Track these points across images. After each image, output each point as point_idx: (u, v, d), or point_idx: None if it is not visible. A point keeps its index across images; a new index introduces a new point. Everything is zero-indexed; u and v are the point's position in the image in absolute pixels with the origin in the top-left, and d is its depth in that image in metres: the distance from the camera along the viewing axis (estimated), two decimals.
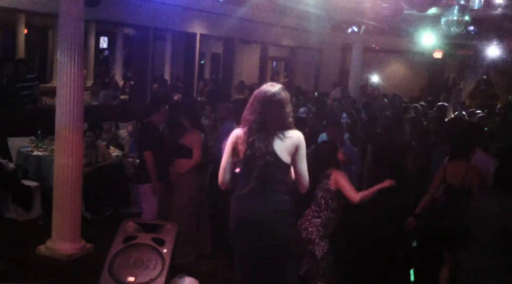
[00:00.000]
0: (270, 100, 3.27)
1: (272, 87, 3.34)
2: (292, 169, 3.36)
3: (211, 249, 5.71)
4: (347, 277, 4.76)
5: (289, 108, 3.34)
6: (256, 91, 3.37)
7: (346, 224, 4.74)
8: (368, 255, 5.19)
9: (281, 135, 3.25)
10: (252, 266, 3.38)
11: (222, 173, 3.41)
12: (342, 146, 5.51)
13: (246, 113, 3.34)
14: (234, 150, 3.36)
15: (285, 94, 3.33)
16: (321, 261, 4.39)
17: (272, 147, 3.25)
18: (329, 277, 4.42)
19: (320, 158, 4.59)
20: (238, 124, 5.49)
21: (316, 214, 4.46)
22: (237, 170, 3.40)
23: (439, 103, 9.71)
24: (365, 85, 14.94)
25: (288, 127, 3.30)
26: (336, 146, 4.84)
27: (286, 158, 3.27)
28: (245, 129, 3.31)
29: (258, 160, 3.24)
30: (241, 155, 3.31)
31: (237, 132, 3.37)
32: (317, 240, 4.39)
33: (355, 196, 4.36)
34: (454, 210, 4.55)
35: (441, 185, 4.74)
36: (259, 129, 3.25)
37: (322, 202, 4.45)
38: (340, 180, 4.40)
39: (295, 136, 3.28)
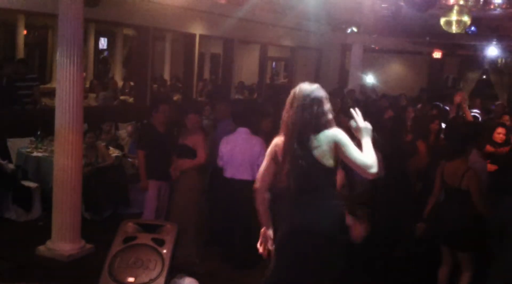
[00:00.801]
0: (308, 99, 3.17)
1: (309, 86, 3.25)
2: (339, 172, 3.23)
3: (209, 249, 5.71)
4: (347, 277, 4.76)
5: (327, 107, 3.22)
6: (293, 91, 3.27)
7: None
8: (366, 255, 5.19)
9: (319, 137, 3.12)
10: (295, 277, 3.24)
11: (259, 179, 3.34)
12: None
13: (285, 115, 3.24)
14: (275, 155, 3.26)
15: (323, 93, 3.24)
16: None
17: (310, 149, 3.11)
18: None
19: None
20: (236, 124, 5.56)
21: None
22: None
23: (436, 103, 9.70)
24: (360, 86, 14.87)
25: (326, 127, 3.15)
26: None
27: (327, 160, 3.12)
28: (284, 132, 3.22)
29: (297, 164, 3.13)
30: (281, 160, 3.22)
31: (279, 137, 3.27)
32: None
33: None
34: (454, 210, 4.56)
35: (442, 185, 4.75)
36: (297, 131, 3.15)
37: None
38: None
39: (330, 133, 3.12)
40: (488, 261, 4.70)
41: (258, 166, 3.98)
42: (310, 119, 3.14)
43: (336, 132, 3.13)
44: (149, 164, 5.63)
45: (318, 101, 3.18)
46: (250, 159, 5.28)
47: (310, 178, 3.15)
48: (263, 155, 3.51)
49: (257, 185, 3.36)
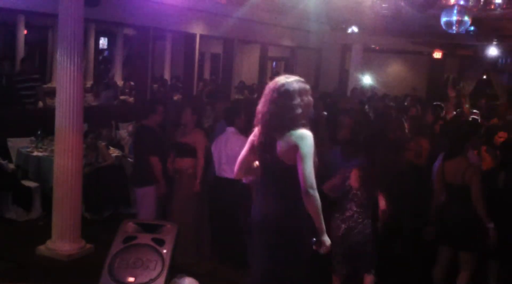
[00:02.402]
0: (279, 91, 3.10)
1: (285, 78, 3.17)
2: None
3: (211, 250, 5.71)
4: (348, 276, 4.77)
5: (296, 101, 3.10)
6: (269, 82, 3.23)
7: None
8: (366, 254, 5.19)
9: (286, 133, 3.06)
10: (261, 267, 3.29)
11: (237, 165, 3.35)
12: None
13: (259, 106, 3.20)
14: (253, 145, 3.26)
15: (296, 86, 3.12)
16: (372, 256, 4.55)
17: (274, 145, 3.09)
18: (373, 269, 4.60)
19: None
20: (227, 124, 5.55)
21: (364, 215, 4.52)
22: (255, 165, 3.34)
23: (435, 103, 9.71)
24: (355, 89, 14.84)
25: (294, 122, 3.07)
26: None
27: (288, 160, 3.07)
28: (256, 123, 3.23)
29: (264, 159, 3.17)
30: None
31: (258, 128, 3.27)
32: (373, 239, 4.53)
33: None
34: (457, 208, 4.55)
35: (443, 185, 4.74)
36: (266, 123, 3.12)
37: (366, 203, 4.53)
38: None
39: (297, 134, 3.05)
40: (486, 261, 4.71)
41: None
42: (278, 112, 3.07)
43: (302, 136, 3.05)
44: (148, 169, 5.47)
45: (287, 94, 3.09)
46: (236, 158, 5.29)
47: (271, 172, 3.17)
48: None
49: (236, 171, 3.38)
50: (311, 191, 2.99)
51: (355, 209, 4.52)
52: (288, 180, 3.10)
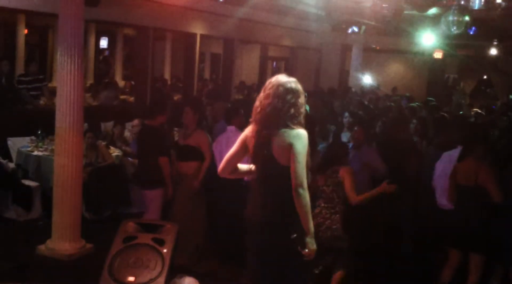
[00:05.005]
0: (277, 90, 3.13)
1: (285, 78, 3.20)
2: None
3: (211, 250, 5.70)
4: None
5: (301, 100, 3.17)
6: (269, 80, 3.24)
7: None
8: (369, 253, 5.20)
9: (282, 133, 3.09)
10: (256, 265, 3.32)
11: (224, 163, 3.32)
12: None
13: (257, 102, 3.21)
14: (244, 143, 3.26)
15: (296, 87, 3.17)
16: (346, 254, 4.49)
17: (270, 143, 3.11)
18: (351, 267, 4.53)
19: (331, 156, 4.67)
20: (226, 124, 5.54)
21: (332, 210, 4.50)
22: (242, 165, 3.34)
23: (432, 104, 9.72)
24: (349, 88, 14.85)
25: (293, 123, 3.10)
26: (346, 145, 5.01)
27: (282, 159, 3.10)
28: (253, 119, 3.21)
29: (259, 156, 3.17)
30: (250, 149, 3.24)
31: (251, 126, 3.26)
32: (342, 234, 4.47)
33: (354, 197, 4.40)
34: (470, 210, 4.51)
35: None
36: (266, 118, 3.12)
37: (335, 196, 4.49)
38: (346, 177, 4.45)
39: (292, 134, 3.08)
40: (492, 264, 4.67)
41: (244, 163, 3.99)
42: (281, 108, 3.09)
43: (298, 135, 3.09)
44: (158, 170, 5.34)
45: (292, 91, 3.14)
46: None
47: (266, 170, 3.17)
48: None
49: (221, 168, 3.35)
50: (300, 190, 3.02)
51: (323, 204, 4.53)
52: (283, 179, 3.10)
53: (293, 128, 3.10)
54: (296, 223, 3.12)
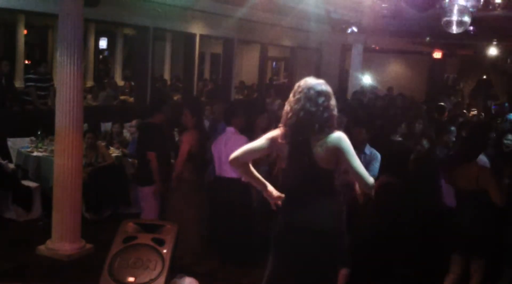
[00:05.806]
0: (308, 93, 3.02)
1: (314, 80, 3.10)
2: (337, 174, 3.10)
3: (211, 250, 5.70)
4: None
5: (333, 102, 3.07)
6: (297, 83, 3.12)
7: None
8: (369, 254, 5.18)
9: (322, 135, 2.99)
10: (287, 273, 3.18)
11: (241, 152, 3.09)
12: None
13: (287, 107, 3.08)
14: (271, 144, 3.09)
15: (326, 89, 3.08)
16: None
17: (311, 149, 2.98)
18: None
19: None
20: (226, 124, 5.53)
21: None
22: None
23: (439, 104, 9.71)
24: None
25: (328, 123, 3.01)
26: None
27: (326, 164, 3.01)
28: (284, 123, 3.07)
29: (299, 161, 3.02)
30: (282, 153, 3.10)
31: (279, 129, 3.11)
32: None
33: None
34: (471, 214, 4.42)
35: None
36: (300, 123, 3.00)
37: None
38: None
39: (334, 138, 2.99)
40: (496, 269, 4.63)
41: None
42: (314, 111, 3.00)
43: (340, 138, 3.00)
44: (149, 167, 5.36)
45: (324, 94, 3.05)
46: None
47: (309, 177, 3.06)
48: None
49: (235, 155, 3.09)
50: (370, 185, 3.02)
51: None
52: (327, 182, 3.06)
53: (331, 132, 3.01)
54: (343, 235, 3.10)
